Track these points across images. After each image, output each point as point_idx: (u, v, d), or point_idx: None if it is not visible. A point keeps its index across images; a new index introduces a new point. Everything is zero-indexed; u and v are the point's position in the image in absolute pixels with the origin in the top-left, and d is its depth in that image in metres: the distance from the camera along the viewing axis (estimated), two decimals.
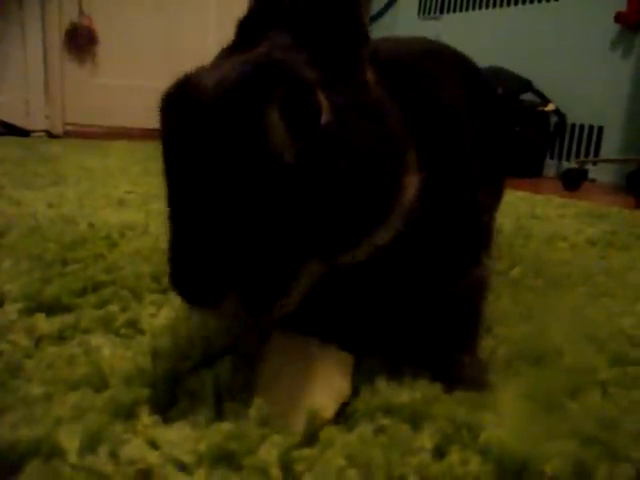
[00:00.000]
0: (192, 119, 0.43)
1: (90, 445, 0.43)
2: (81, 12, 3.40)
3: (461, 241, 0.57)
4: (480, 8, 3.19)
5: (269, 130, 0.42)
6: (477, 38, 3.08)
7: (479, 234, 0.61)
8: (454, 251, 0.56)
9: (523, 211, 1.60)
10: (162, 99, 0.46)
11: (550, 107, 2.81)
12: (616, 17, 2.62)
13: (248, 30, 0.50)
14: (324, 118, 0.44)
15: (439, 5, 3.37)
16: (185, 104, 0.43)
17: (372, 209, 0.47)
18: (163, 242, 0.99)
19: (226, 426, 0.45)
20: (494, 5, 3.11)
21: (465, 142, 0.60)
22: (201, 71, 0.46)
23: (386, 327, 0.62)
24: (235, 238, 0.41)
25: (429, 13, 3.42)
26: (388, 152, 0.48)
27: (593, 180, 2.70)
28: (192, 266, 0.42)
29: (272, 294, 0.43)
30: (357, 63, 0.49)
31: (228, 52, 0.49)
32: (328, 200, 0.43)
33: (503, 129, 0.92)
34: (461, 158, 0.57)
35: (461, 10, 3.28)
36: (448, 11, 3.34)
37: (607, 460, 0.43)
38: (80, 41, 3.42)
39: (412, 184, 0.50)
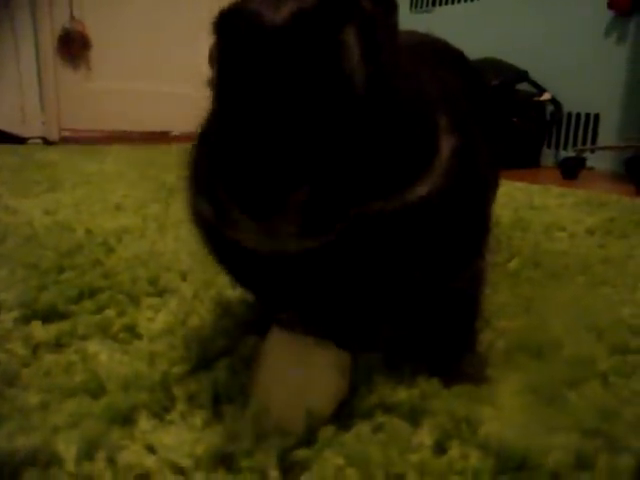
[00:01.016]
0: (266, 28, 0.40)
1: (87, 452, 0.43)
2: (72, 17, 3.39)
3: (472, 227, 0.55)
4: (472, 0, 3.18)
5: (344, 49, 0.40)
6: (470, 30, 3.07)
7: (486, 223, 0.59)
8: (465, 237, 0.54)
9: (521, 202, 1.59)
10: (225, 12, 0.43)
11: (546, 96, 2.80)
12: (609, 3, 2.61)
13: None
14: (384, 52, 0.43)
15: None
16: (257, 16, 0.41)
17: (419, 147, 0.46)
18: (160, 246, 1.00)
19: (223, 428, 0.45)
20: None
21: (471, 128, 0.59)
22: None
23: (386, 315, 0.61)
24: (298, 152, 0.38)
25: (421, 7, 3.41)
26: (428, 103, 0.49)
27: (591, 168, 2.69)
28: (252, 173, 0.37)
29: (334, 213, 0.40)
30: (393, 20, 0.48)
31: None
32: (387, 130, 0.43)
33: (496, 119, 0.92)
34: (473, 143, 0.56)
35: (453, 3, 3.27)
36: (440, 4, 3.33)
37: (607, 451, 0.43)
38: (73, 46, 3.41)
39: (446, 145, 0.49)
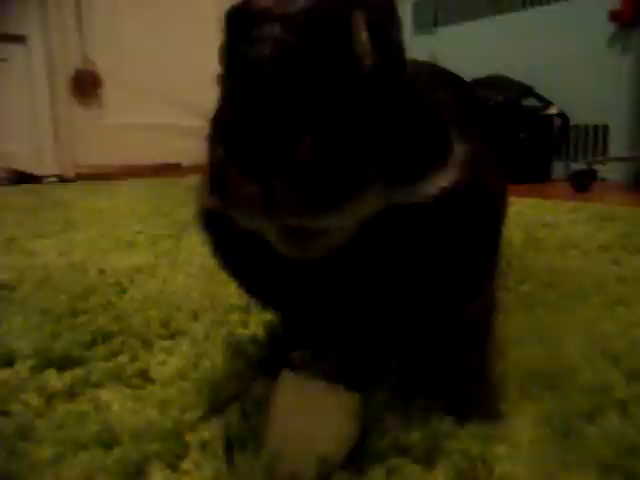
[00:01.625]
0: (276, 15, 0.38)
1: None
2: (84, 58, 3.48)
3: (484, 239, 0.53)
4: (474, 19, 3.20)
5: (352, 30, 0.40)
6: (474, 49, 3.09)
7: (497, 241, 0.57)
8: (477, 252, 0.52)
9: (533, 219, 1.58)
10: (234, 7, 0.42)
11: (552, 110, 2.80)
12: (610, 15, 2.62)
13: None
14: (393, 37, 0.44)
15: (433, 19, 3.40)
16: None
17: (433, 140, 0.45)
18: (171, 284, 1.01)
19: (236, 477, 0.45)
20: (487, 15, 3.13)
21: (480, 142, 0.58)
22: None
23: (397, 343, 0.60)
24: (299, 115, 0.36)
25: (423, 27, 3.44)
26: (438, 105, 0.48)
27: (603, 179, 2.67)
28: (251, 134, 0.35)
29: (339, 187, 0.37)
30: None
31: None
32: (396, 115, 0.42)
33: (500, 139, 0.92)
34: (483, 154, 0.55)
35: (455, 23, 3.30)
36: (442, 24, 3.36)
37: None
38: (85, 85, 3.50)
39: (458, 147, 0.48)
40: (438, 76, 0.84)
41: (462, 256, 0.49)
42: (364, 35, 0.40)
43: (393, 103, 0.42)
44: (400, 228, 0.44)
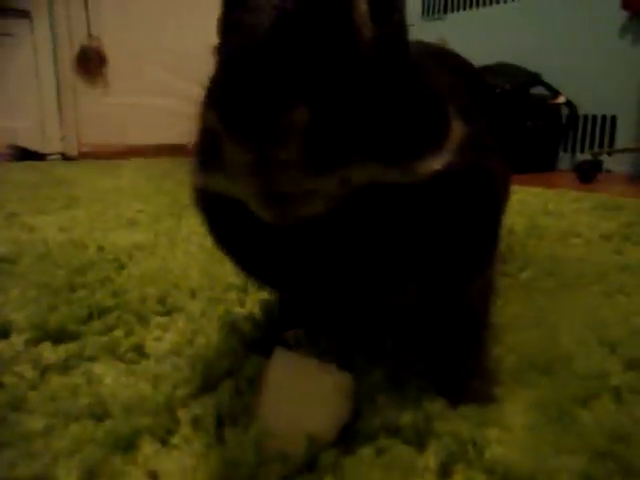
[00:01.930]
0: None
1: (88, 479, 0.43)
2: (90, 35, 3.45)
3: (483, 221, 0.52)
4: (484, 5, 3.16)
5: (353, 2, 0.39)
6: (483, 35, 3.06)
7: (496, 224, 0.57)
8: (475, 232, 0.51)
9: (536, 208, 1.57)
10: None
11: (561, 99, 2.77)
12: (623, 3, 2.58)
13: None
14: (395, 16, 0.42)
15: (443, 5, 3.36)
16: None
17: (430, 120, 0.44)
18: (170, 262, 1.00)
19: (225, 453, 0.45)
20: (498, 1, 3.09)
21: (481, 124, 0.57)
22: None
23: (392, 319, 0.59)
24: (295, 78, 0.34)
25: (433, 13, 3.40)
26: (438, 85, 0.48)
27: (609, 171, 2.65)
28: (245, 96, 0.33)
29: (334, 154, 0.36)
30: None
31: None
32: (394, 92, 0.41)
33: (506, 126, 0.91)
34: (483, 136, 0.53)
35: (465, 9, 3.26)
36: (452, 10, 3.32)
37: (619, 476, 0.42)
38: (90, 63, 3.47)
39: (457, 128, 0.47)
40: (445, 58, 0.83)
41: (455, 238, 0.48)
42: (364, 6, 0.40)
43: (391, 78, 0.41)
44: (394, 206, 0.43)
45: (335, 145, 0.36)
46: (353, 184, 0.39)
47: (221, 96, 0.35)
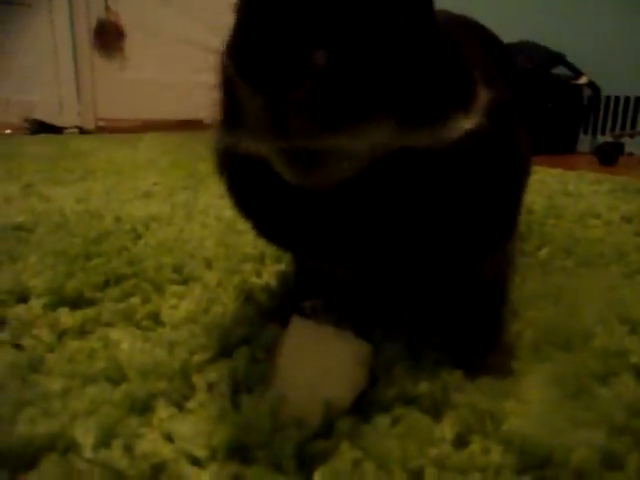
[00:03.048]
0: None
1: (105, 440, 0.43)
2: (107, 8, 3.43)
3: (505, 193, 0.51)
4: None
5: None
6: (505, 12, 2.99)
7: (518, 198, 0.55)
8: (498, 203, 0.50)
9: (555, 188, 1.55)
10: None
11: (583, 80, 2.71)
12: None
13: None
14: None
15: None
16: None
17: (455, 82, 0.43)
18: (186, 233, 1.01)
19: (240, 419, 0.45)
20: None
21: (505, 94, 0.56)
22: None
23: (412, 287, 0.58)
24: (313, 28, 0.33)
25: None
26: (462, 51, 0.46)
27: (631, 154, 2.60)
28: (266, 46, 0.32)
29: (353, 110, 0.34)
30: None
31: None
32: (418, 47, 0.39)
33: (528, 102, 0.89)
34: (508, 105, 0.52)
35: None
36: None
37: (637, 450, 0.41)
38: (108, 37, 3.46)
39: (483, 94, 0.46)
40: (470, 27, 0.81)
41: (479, 206, 0.47)
42: None
43: (415, 32, 0.39)
44: (418, 171, 0.42)
45: (355, 96, 0.34)
46: (376, 146, 0.38)
47: (237, 42, 0.34)
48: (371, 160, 0.40)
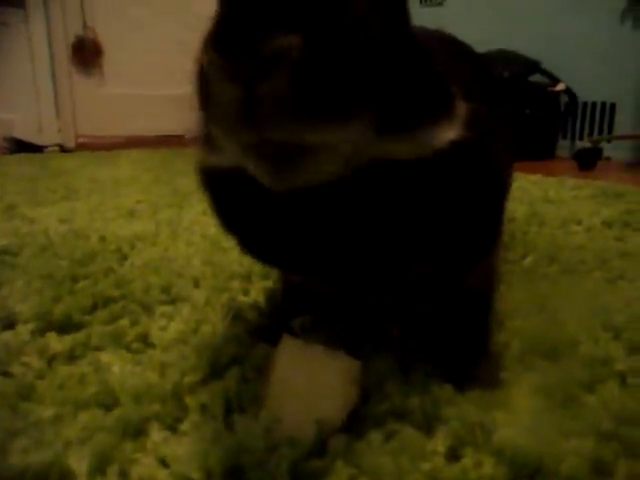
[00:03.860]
0: None
1: (100, 466, 0.43)
2: (85, 25, 3.42)
3: (486, 204, 0.51)
4: None
5: None
6: (482, 22, 3.04)
7: (500, 208, 0.56)
8: (479, 214, 0.50)
9: (536, 195, 1.57)
10: None
11: (560, 87, 2.76)
12: None
13: None
14: None
15: None
16: None
17: (433, 92, 0.43)
18: (172, 252, 1.00)
19: (234, 439, 0.45)
20: None
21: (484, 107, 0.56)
22: None
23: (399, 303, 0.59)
24: (296, 25, 0.32)
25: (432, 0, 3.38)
26: (439, 64, 0.46)
27: (608, 158, 2.64)
28: (240, 32, 0.31)
29: (326, 103, 0.33)
30: None
31: None
32: (396, 48, 0.39)
33: (507, 110, 0.90)
34: (486, 118, 0.52)
35: None
36: None
37: (626, 457, 0.42)
38: (86, 54, 3.45)
39: (461, 106, 0.45)
40: (446, 41, 0.82)
41: (462, 217, 0.48)
42: None
43: (393, 35, 0.39)
44: (400, 182, 0.43)
45: (329, 90, 0.33)
46: (353, 147, 0.38)
47: (213, 31, 0.33)
48: (350, 166, 0.39)
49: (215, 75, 0.33)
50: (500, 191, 0.55)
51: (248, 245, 0.54)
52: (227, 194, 0.50)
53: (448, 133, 0.43)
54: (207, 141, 0.44)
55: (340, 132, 0.35)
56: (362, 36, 0.36)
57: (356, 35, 0.35)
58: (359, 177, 0.41)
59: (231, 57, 0.31)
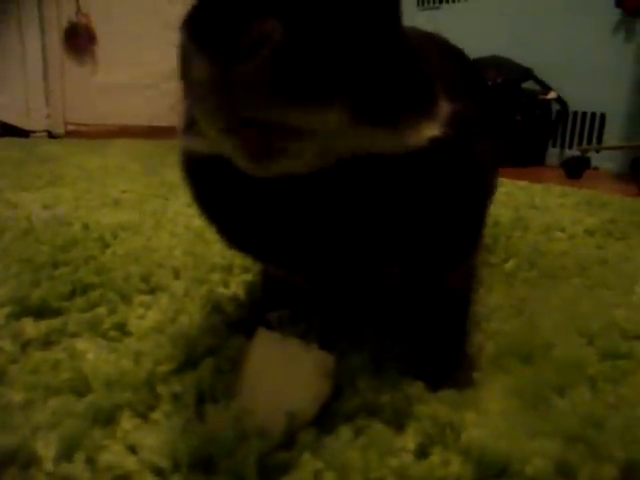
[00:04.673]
0: None
1: (67, 452, 0.43)
2: (79, 11, 3.39)
3: (467, 205, 0.51)
4: None
5: None
6: (477, 28, 3.05)
7: (482, 211, 0.56)
8: (457, 228, 0.51)
9: (522, 201, 1.58)
10: None
11: (551, 95, 2.77)
12: (616, 2, 2.58)
13: None
14: None
15: None
16: None
17: (415, 88, 0.42)
18: (155, 242, 1.00)
19: (203, 430, 0.45)
20: None
21: (470, 109, 0.54)
22: None
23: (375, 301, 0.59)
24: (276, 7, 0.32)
25: (428, 3, 3.39)
26: (425, 62, 0.46)
27: (596, 168, 2.67)
28: (218, 12, 0.31)
29: (305, 85, 0.33)
30: None
31: None
32: (378, 40, 0.39)
33: (496, 115, 0.91)
34: (471, 119, 0.52)
35: (460, 0, 3.25)
36: (447, 1, 3.31)
37: (591, 460, 0.43)
38: (79, 40, 3.41)
39: (444, 106, 0.45)
40: (437, 43, 0.83)
41: (441, 217, 0.48)
42: None
43: (377, 32, 0.39)
44: (380, 178, 0.43)
45: (306, 75, 0.33)
46: (332, 136, 0.38)
47: (191, 15, 0.33)
48: (328, 156, 0.39)
49: (193, 57, 0.33)
50: (481, 192, 0.55)
51: (226, 234, 0.54)
52: (207, 181, 0.49)
53: (428, 130, 0.43)
54: (189, 126, 0.44)
55: (317, 117, 0.35)
56: (344, 23, 0.36)
57: (338, 22, 0.35)
58: (338, 170, 0.41)
59: (210, 39, 0.31)
